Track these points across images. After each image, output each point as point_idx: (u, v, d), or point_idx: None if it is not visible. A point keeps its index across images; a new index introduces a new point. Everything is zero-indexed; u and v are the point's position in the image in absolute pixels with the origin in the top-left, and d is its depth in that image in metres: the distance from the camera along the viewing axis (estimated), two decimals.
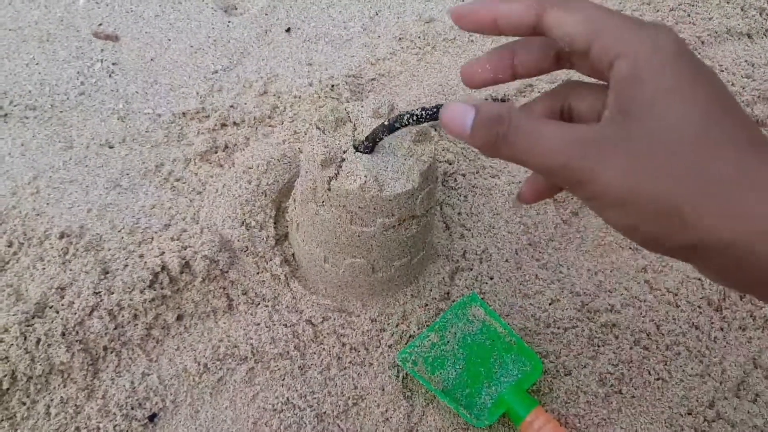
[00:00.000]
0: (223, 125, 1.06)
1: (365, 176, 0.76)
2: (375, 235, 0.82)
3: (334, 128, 0.81)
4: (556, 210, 1.05)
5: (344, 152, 0.79)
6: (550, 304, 0.95)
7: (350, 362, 0.88)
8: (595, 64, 0.45)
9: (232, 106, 1.08)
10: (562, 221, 1.05)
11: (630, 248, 1.04)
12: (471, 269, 0.97)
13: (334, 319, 0.89)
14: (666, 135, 0.42)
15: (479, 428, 0.83)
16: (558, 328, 0.92)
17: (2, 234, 0.89)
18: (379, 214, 0.79)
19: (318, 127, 0.81)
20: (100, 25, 1.17)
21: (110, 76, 1.09)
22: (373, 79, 1.18)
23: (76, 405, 0.79)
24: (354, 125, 0.82)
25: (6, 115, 1.02)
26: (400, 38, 1.26)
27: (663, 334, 0.93)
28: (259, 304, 0.90)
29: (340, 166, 0.78)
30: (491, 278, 0.97)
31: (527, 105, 0.54)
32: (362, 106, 0.85)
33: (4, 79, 1.06)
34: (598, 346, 0.91)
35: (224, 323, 0.88)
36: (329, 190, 0.78)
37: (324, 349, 0.88)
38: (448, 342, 0.88)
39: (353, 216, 0.80)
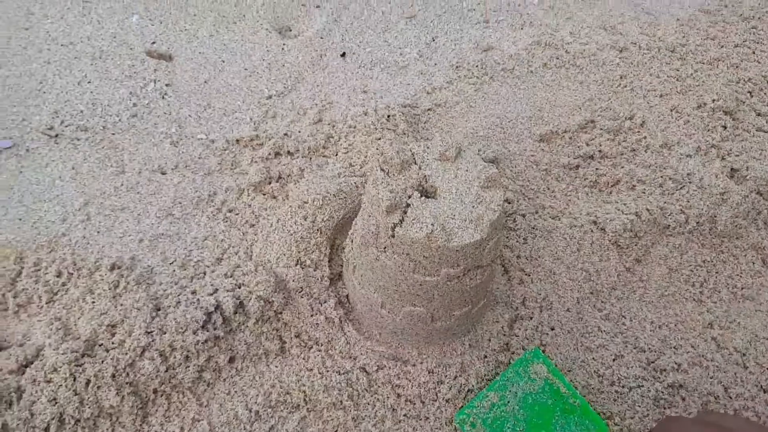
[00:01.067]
0: (277, 154, 1.03)
1: (432, 224, 0.72)
2: (438, 285, 0.79)
3: (399, 171, 0.78)
4: (619, 257, 1.01)
5: (409, 197, 0.76)
6: (614, 360, 0.90)
7: (405, 415, 0.84)
8: None
9: (286, 134, 1.05)
10: (625, 269, 1.00)
11: (694, 300, 1.00)
12: (531, 318, 0.92)
13: (390, 368, 0.86)
14: None
15: None
16: (623, 386, 0.88)
17: (51, 263, 0.87)
18: (444, 264, 0.76)
19: (382, 169, 0.78)
20: (153, 43, 1.14)
21: (163, 97, 1.06)
22: (429, 110, 1.14)
23: None
24: (419, 167, 0.79)
25: (57, 135, 0.99)
26: (457, 66, 1.22)
27: (731, 398, 0.89)
28: (312, 347, 0.86)
29: (405, 212, 0.75)
30: (552, 329, 0.93)
31: None
32: (428, 147, 0.81)
33: (55, 97, 1.04)
34: (665, 408, 0.87)
35: (276, 367, 0.85)
36: (393, 236, 0.75)
37: (378, 399, 0.84)
38: (509, 402, 0.83)
39: (417, 265, 0.76)
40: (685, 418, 0.56)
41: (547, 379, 0.85)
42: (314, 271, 0.90)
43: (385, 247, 0.77)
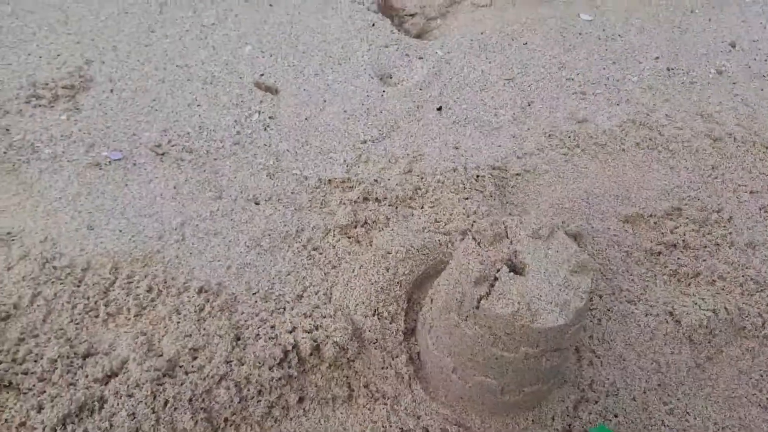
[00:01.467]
0: (365, 199, 1.05)
1: (518, 303, 0.74)
2: (514, 361, 0.80)
3: (490, 242, 0.79)
4: (691, 352, 1.00)
5: (498, 270, 0.77)
6: None
7: None
8: None
9: (376, 180, 1.08)
10: (695, 365, 0.99)
11: (760, 405, 0.98)
12: (597, 402, 0.92)
13: None
14: None
15: None
16: None
17: (144, 277, 0.91)
18: (524, 343, 0.77)
19: (474, 239, 0.79)
20: (262, 75, 1.18)
21: (265, 129, 1.10)
22: (518, 174, 1.15)
23: None
24: (511, 242, 0.80)
25: (164, 154, 1.04)
26: (549, 135, 1.23)
27: None
28: (378, 400, 0.88)
29: (493, 285, 0.76)
30: (615, 416, 0.92)
31: None
32: (521, 223, 0.82)
33: (165, 116, 1.09)
34: None
35: (342, 414, 0.86)
36: (477, 308, 0.76)
37: None
38: None
39: (496, 339, 0.78)
40: None
41: None
42: (390, 323, 0.92)
43: (467, 317, 0.78)
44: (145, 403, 0.78)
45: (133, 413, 0.78)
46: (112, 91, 1.10)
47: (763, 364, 1.02)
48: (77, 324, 0.87)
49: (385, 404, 0.87)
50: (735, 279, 1.08)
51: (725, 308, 1.03)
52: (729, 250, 1.12)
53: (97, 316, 0.88)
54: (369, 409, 0.87)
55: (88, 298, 0.89)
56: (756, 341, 1.03)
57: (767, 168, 1.25)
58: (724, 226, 1.15)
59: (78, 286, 0.89)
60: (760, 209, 1.18)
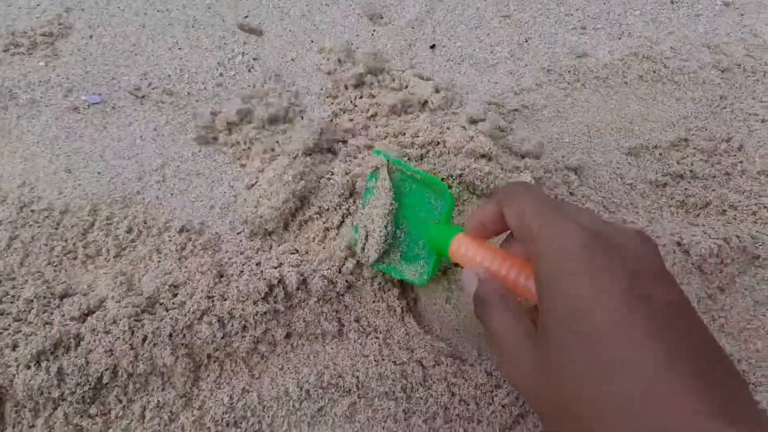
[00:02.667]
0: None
1: None
2: None
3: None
4: (701, 282, 0.95)
5: None
6: None
7: (458, 415, 0.80)
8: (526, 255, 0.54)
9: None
10: (706, 296, 0.94)
11: None
12: None
13: (447, 365, 0.82)
14: (569, 350, 0.43)
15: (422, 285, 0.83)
16: None
17: (123, 218, 0.87)
18: None
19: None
20: (246, 17, 1.14)
21: (249, 71, 1.06)
22: (515, 110, 1.10)
23: (171, 412, 0.75)
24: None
25: (143, 96, 1.00)
26: (548, 70, 1.18)
27: None
28: (370, 334, 0.84)
29: None
30: None
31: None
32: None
33: (145, 60, 1.05)
34: None
35: (332, 349, 0.83)
36: None
37: (432, 395, 0.81)
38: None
39: None
40: (518, 185, 0.58)
41: (399, 170, 0.84)
42: None
43: None
44: (123, 339, 0.75)
45: (111, 349, 0.74)
46: (91, 37, 1.07)
47: None
48: (55, 266, 0.84)
49: (377, 338, 0.83)
50: (747, 208, 1.02)
51: (737, 237, 0.98)
52: (740, 178, 1.06)
53: (75, 258, 0.85)
54: (360, 344, 0.83)
55: (66, 241, 0.85)
56: None
57: None
58: (734, 155, 1.09)
59: (56, 229, 0.86)
60: None
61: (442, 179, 0.87)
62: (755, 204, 1.02)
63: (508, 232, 0.64)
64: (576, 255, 0.43)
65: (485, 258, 0.64)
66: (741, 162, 1.08)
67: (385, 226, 0.81)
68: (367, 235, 0.82)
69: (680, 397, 0.38)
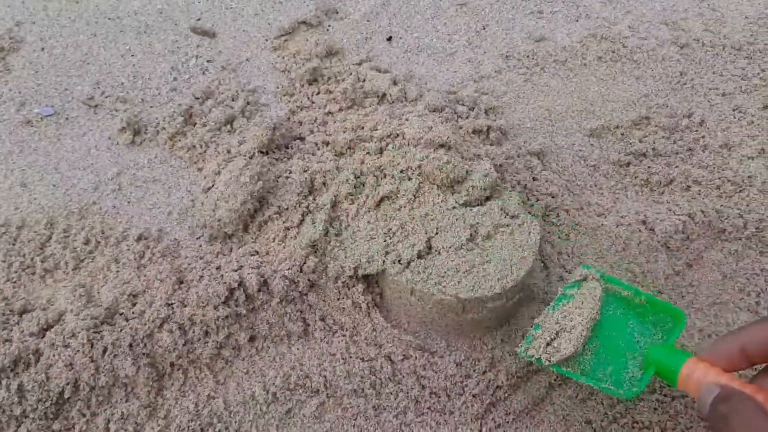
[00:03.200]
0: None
1: None
2: None
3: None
4: (668, 259, 0.95)
5: None
6: None
7: (429, 408, 0.80)
8: None
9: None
10: (674, 272, 0.94)
11: (749, 310, 0.93)
12: None
13: (416, 358, 0.82)
14: None
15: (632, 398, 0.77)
16: (665, 396, 0.82)
17: (81, 230, 0.86)
18: None
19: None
20: (199, 20, 1.13)
21: (203, 73, 1.05)
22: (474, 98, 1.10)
23: (136, 422, 0.74)
24: None
25: (97, 106, 0.99)
26: (506, 56, 1.17)
27: None
28: (336, 332, 0.83)
29: None
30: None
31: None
32: None
33: (98, 68, 1.04)
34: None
35: (298, 350, 0.82)
36: None
37: (402, 390, 0.80)
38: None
39: None
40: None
41: (606, 289, 0.78)
42: None
43: None
44: (83, 352, 0.73)
45: (71, 363, 0.73)
46: (42, 49, 1.05)
47: (748, 267, 0.96)
48: (14, 282, 0.82)
49: (344, 335, 0.83)
50: (711, 182, 1.02)
51: (702, 211, 0.98)
52: (703, 153, 1.06)
53: (33, 273, 0.83)
54: (327, 342, 0.82)
55: (23, 256, 0.84)
56: (739, 243, 0.98)
57: (738, 69, 1.19)
58: (696, 130, 1.09)
59: (13, 245, 0.85)
60: (734, 110, 1.13)
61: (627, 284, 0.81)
62: (718, 178, 1.02)
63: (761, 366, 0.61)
64: None
65: (730, 380, 0.59)
66: (703, 137, 1.08)
67: (588, 328, 0.74)
68: (558, 333, 0.75)
69: None
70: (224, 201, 0.86)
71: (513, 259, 0.80)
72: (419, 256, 0.81)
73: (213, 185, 0.91)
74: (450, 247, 0.81)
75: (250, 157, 0.89)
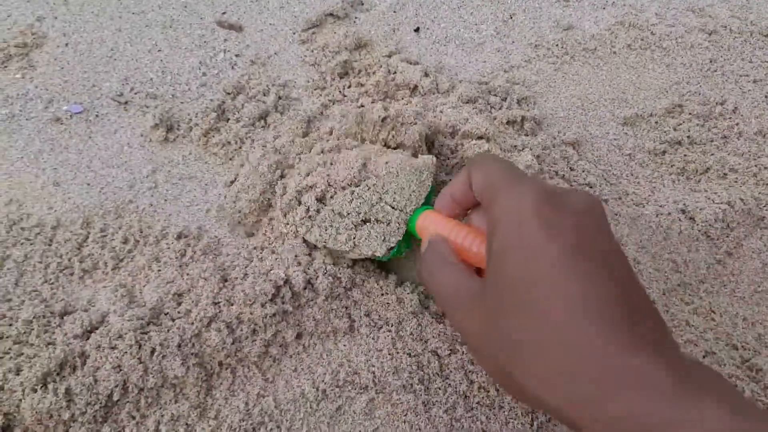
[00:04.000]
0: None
1: None
2: None
3: None
4: (709, 248, 0.94)
5: None
6: (704, 357, 0.84)
7: (478, 403, 0.79)
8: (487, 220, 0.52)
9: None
10: (715, 261, 0.93)
11: None
12: None
13: (462, 352, 0.81)
14: (508, 297, 0.45)
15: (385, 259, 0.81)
16: None
17: (118, 229, 0.85)
18: None
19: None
20: (224, 13, 1.11)
21: (233, 68, 1.04)
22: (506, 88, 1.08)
23: (187, 424, 0.73)
24: None
25: (127, 102, 0.97)
26: (536, 45, 1.16)
27: None
28: (381, 327, 0.82)
29: None
30: None
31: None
32: None
33: (125, 64, 1.02)
34: None
35: (344, 346, 0.81)
36: None
37: (450, 385, 0.79)
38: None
39: None
40: (491, 156, 0.58)
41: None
42: None
43: None
44: (130, 354, 0.72)
45: (118, 365, 0.72)
46: (67, 45, 1.03)
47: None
48: (52, 284, 0.81)
49: (389, 331, 0.82)
50: (748, 170, 1.01)
51: (741, 200, 0.97)
52: (738, 141, 1.05)
53: (72, 274, 0.82)
54: (373, 338, 0.81)
55: (61, 257, 0.82)
56: None
57: (767, 56, 1.18)
58: (730, 118, 1.08)
59: (49, 245, 0.83)
60: (766, 96, 1.12)
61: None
62: (755, 165, 1.01)
63: (476, 207, 0.64)
64: (529, 209, 0.46)
65: (444, 228, 0.64)
66: (737, 124, 1.07)
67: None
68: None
69: (608, 333, 0.41)
70: (244, 192, 0.85)
71: None
72: None
73: (235, 178, 0.90)
74: None
75: (273, 149, 0.88)
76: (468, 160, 0.61)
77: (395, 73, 1.04)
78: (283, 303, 0.78)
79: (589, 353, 0.40)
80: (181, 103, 0.98)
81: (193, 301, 0.77)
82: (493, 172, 0.53)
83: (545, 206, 0.46)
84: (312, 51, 1.07)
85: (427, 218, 0.70)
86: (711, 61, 1.16)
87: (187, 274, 0.80)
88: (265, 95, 0.98)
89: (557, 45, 1.16)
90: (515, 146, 0.95)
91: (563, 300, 0.42)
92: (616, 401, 0.39)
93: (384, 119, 0.85)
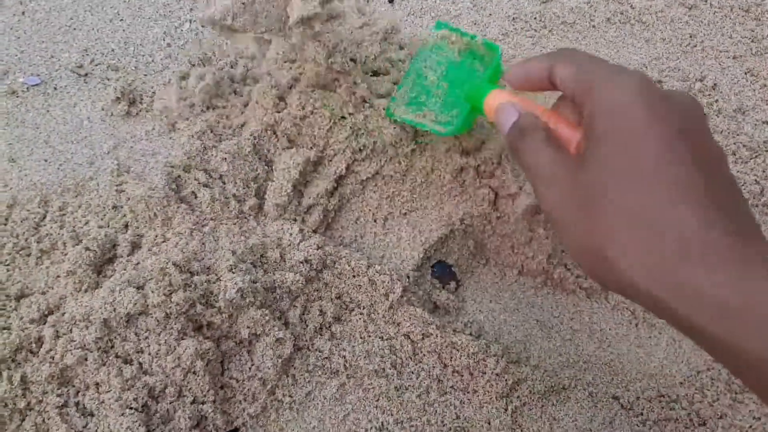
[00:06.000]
0: None
1: None
2: None
3: None
4: None
5: None
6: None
7: (452, 387, 0.77)
8: (578, 106, 0.51)
9: None
10: None
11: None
12: None
13: (436, 336, 0.79)
14: (608, 177, 0.44)
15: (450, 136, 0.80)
16: (692, 369, 0.80)
17: (78, 207, 0.81)
18: None
19: None
20: None
21: (199, 39, 0.99)
22: None
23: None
24: None
25: (87, 74, 0.93)
26: (513, 18, 1.13)
27: None
28: (353, 310, 0.80)
29: None
30: None
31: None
32: None
33: (85, 34, 0.97)
34: (736, 393, 0.79)
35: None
36: None
37: (423, 369, 0.78)
38: (427, 77, 0.80)
39: None
40: (578, 51, 0.55)
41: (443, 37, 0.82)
42: None
43: None
44: (90, 338, 0.69)
45: (78, 349, 0.69)
46: (23, 13, 0.98)
47: (765, 234, 0.95)
48: (7, 265, 0.77)
49: (361, 314, 0.79)
50: (727, 147, 1.00)
51: None
52: (717, 118, 1.03)
53: (29, 255, 0.78)
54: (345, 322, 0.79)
55: (17, 237, 0.79)
56: (756, 210, 0.96)
57: (748, 31, 1.16)
58: (709, 94, 1.06)
59: (5, 225, 0.79)
60: (746, 73, 1.10)
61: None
62: (734, 143, 1.00)
63: (556, 98, 0.61)
64: (634, 93, 0.45)
65: (528, 104, 0.59)
66: (716, 101, 1.05)
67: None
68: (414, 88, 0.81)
69: (704, 214, 0.41)
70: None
71: None
72: None
73: None
74: None
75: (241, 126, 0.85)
76: (550, 54, 0.58)
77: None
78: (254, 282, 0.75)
79: (689, 237, 0.40)
80: (144, 75, 0.94)
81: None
82: (589, 65, 0.51)
83: (650, 93, 0.46)
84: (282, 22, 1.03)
85: (500, 96, 0.65)
86: (691, 36, 1.14)
87: None
88: (232, 68, 0.94)
89: (535, 18, 1.13)
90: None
91: (666, 183, 0.42)
92: (715, 285, 0.39)
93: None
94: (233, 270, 0.73)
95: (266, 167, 0.84)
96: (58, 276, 0.76)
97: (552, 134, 0.54)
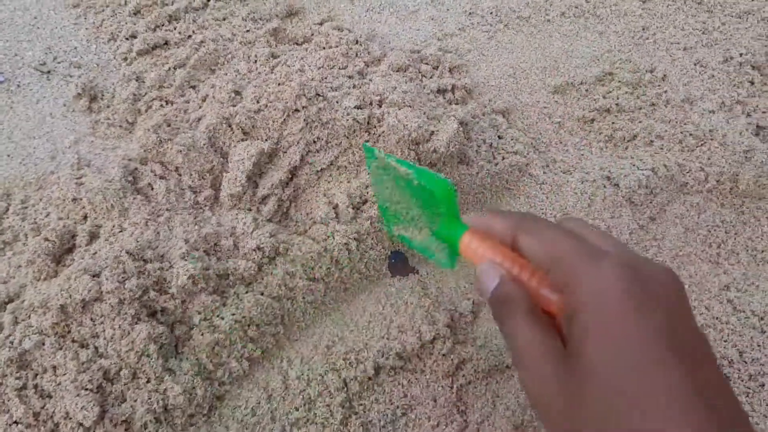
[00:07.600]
0: None
1: None
2: None
3: None
4: (632, 214, 0.96)
5: None
6: None
7: (401, 368, 0.80)
8: (554, 286, 0.49)
9: None
10: (638, 226, 0.96)
11: (710, 261, 0.95)
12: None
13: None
14: (593, 377, 0.43)
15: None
16: None
17: (39, 200, 0.84)
18: None
19: None
20: None
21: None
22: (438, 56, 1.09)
23: None
24: None
25: (50, 71, 0.96)
26: (470, 13, 1.16)
27: (746, 362, 0.84)
28: None
29: None
30: None
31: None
32: None
33: (49, 33, 1.00)
34: None
35: None
36: None
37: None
38: (393, 197, 0.71)
39: None
40: (542, 219, 0.53)
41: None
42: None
43: None
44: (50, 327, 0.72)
45: (36, 335, 0.72)
46: None
47: (710, 220, 0.98)
48: None
49: None
50: (673, 136, 1.03)
51: (664, 166, 0.99)
52: (665, 108, 1.07)
53: None
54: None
55: None
56: (700, 196, 0.99)
57: (699, 23, 1.20)
58: (659, 85, 1.10)
59: None
60: (695, 64, 1.14)
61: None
62: (681, 132, 1.03)
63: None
64: (617, 291, 0.44)
65: (505, 259, 0.55)
66: (665, 92, 1.09)
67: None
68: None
69: (700, 426, 0.39)
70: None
71: None
72: None
73: None
74: None
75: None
76: (510, 215, 0.55)
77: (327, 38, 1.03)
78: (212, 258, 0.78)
79: None
80: (107, 72, 0.97)
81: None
82: (560, 245, 0.49)
83: (632, 284, 0.44)
84: (242, 19, 1.06)
85: (473, 240, 0.60)
86: (643, 29, 1.18)
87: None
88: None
89: (491, 13, 1.16)
90: (445, 113, 0.95)
91: (653, 394, 0.41)
92: None
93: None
94: (185, 257, 0.76)
95: (222, 159, 0.87)
96: (19, 266, 0.79)
97: (534, 303, 0.52)
